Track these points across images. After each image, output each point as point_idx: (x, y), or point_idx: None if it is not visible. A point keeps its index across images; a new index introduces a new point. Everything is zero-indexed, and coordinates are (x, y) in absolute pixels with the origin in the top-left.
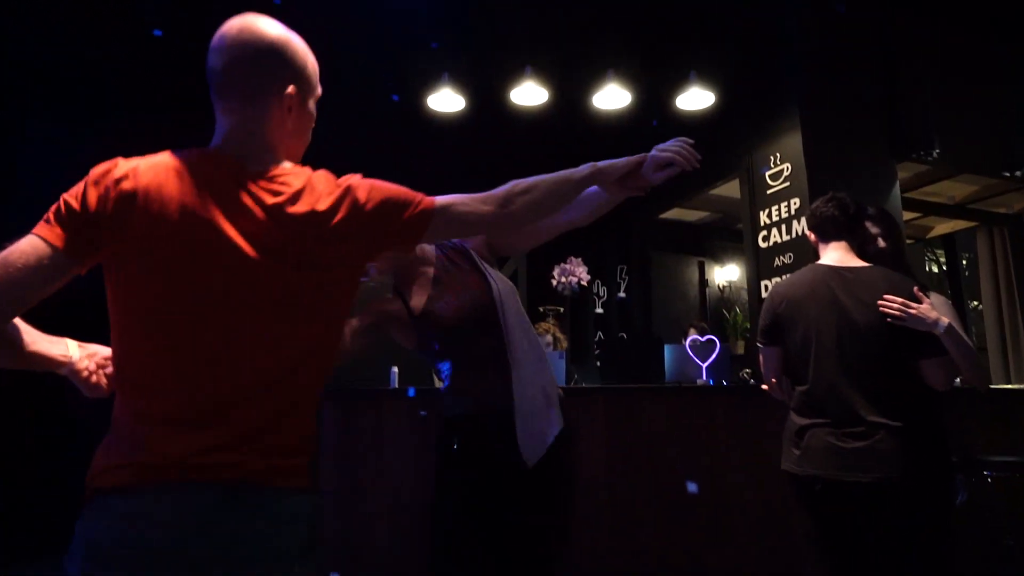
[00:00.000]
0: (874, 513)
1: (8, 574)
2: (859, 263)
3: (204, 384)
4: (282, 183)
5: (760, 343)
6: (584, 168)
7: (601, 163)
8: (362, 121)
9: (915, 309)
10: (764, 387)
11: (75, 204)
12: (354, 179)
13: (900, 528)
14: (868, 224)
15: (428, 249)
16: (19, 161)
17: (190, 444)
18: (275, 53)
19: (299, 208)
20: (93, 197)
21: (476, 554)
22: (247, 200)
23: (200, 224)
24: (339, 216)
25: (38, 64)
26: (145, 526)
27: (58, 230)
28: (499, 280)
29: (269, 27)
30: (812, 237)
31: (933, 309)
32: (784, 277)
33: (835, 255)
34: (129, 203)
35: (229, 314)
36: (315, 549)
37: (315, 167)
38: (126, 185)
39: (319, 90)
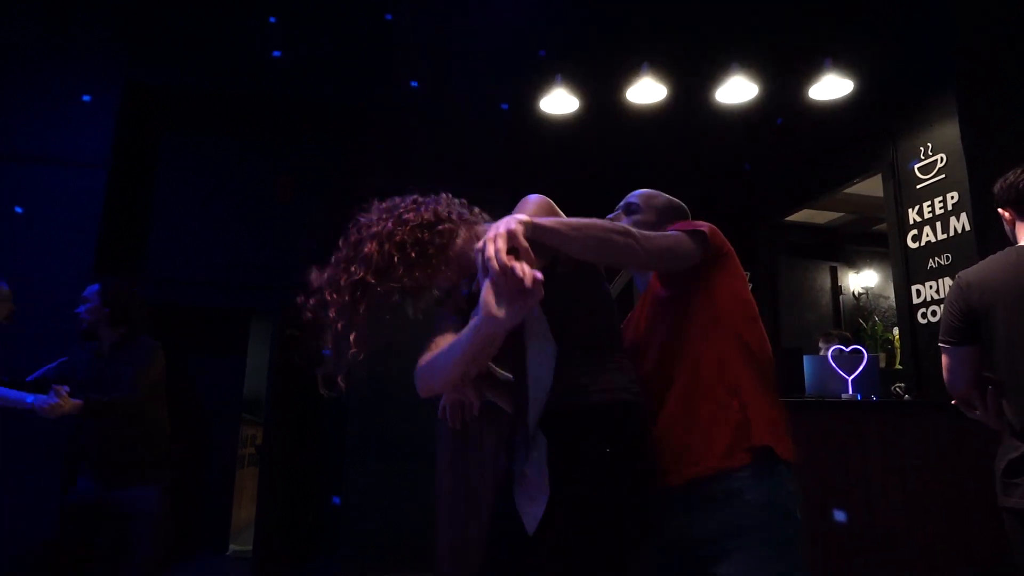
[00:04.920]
0: None
1: None
2: None
3: None
4: None
5: (947, 343)
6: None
7: None
8: (475, 129)
9: None
10: (953, 402)
11: None
12: None
13: None
14: None
15: None
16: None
17: None
18: None
19: None
20: None
21: None
22: None
23: None
24: None
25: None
26: None
27: None
28: None
29: None
30: (1007, 215)
31: None
32: (959, 271)
33: None
34: None
35: None
36: None
37: (429, 174)
38: None
39: None
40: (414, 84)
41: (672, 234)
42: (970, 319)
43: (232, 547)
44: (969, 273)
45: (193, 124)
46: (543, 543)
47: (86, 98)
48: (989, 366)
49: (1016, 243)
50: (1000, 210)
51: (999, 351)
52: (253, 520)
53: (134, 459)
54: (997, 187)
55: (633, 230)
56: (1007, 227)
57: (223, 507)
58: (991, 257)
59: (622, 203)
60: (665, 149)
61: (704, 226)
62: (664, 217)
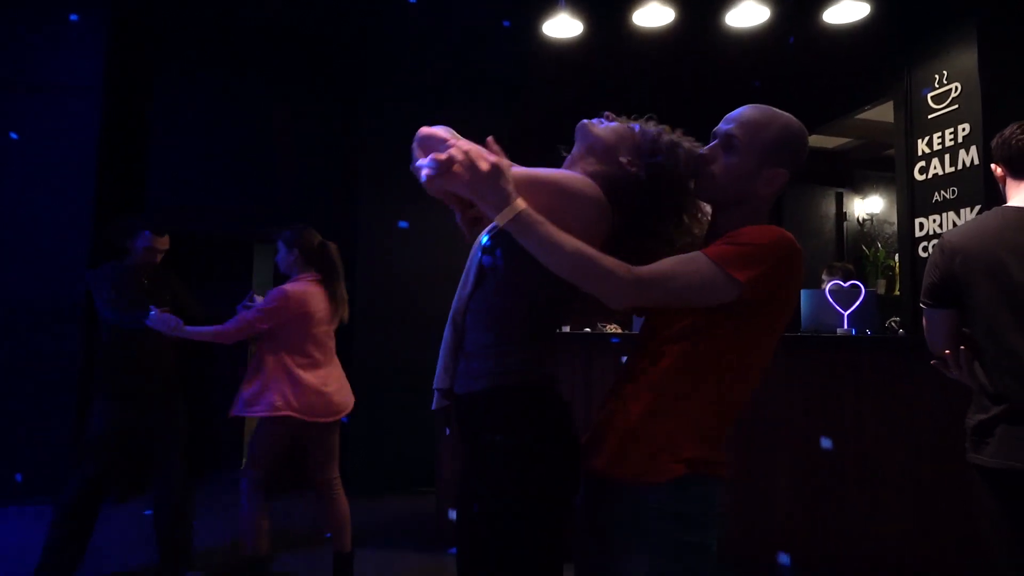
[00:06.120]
0: None
1: None
2: None
3: None
4: None
5: (926, 304)
6: None
7: None
8: (475, 55)
9: None
10: (933, 362)
11: None
12: None
13: None
14: None
15: None
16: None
17: None
18: None
19: None
20: None
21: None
22: None
23: None
24: None
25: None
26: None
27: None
28: None
29: None
30: (999, 171)
31: None
32: (953, 222)
33: None
34: None
35: None
36: None
37: (430, 99)
38: None
39: None
40: (412, 1)
41: (693, 271)
42: (950, 283)
43: (245, 460)
44: (954, 235)
45: (189, 50)
46: (467, 525)
47: (73, 17)
48: (969, 326)
49: (1006, 201)
50: (993, 165)
51: (979, 316)
52: None
53: (166, 382)
54: (994, 142)
55: (634, 272)
56: (999, 183)
57: (235, 421)
58: (978, 217)
59: (721, 130)
60: (672, 75)
61: (744, 274)
62: (769, 160)
